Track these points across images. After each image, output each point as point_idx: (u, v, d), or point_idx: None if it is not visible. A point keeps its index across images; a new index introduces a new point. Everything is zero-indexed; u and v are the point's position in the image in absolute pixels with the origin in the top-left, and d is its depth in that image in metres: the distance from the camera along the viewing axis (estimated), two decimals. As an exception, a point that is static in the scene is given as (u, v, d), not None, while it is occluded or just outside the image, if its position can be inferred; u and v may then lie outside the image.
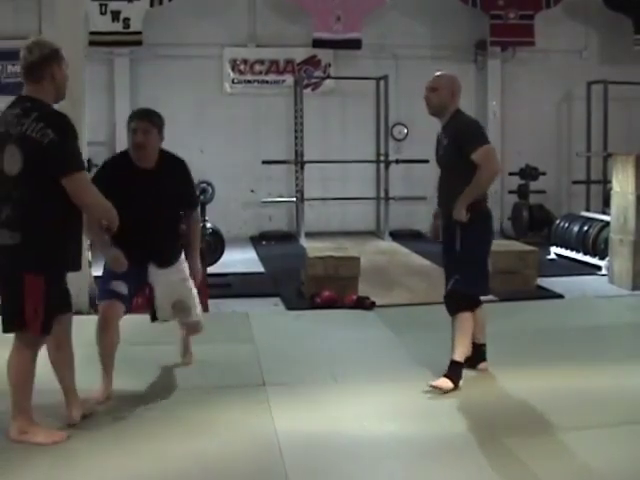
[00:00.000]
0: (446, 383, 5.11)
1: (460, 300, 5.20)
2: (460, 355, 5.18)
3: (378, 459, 4.11)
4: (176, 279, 5.13)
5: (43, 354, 4.38)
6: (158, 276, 5.05)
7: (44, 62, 4.17)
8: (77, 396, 4.53)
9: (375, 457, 4.14)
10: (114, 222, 4.33)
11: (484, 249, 5.29)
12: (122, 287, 4.90)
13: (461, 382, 5.15)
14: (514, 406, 4.86)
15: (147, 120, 4.95)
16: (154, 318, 5.22)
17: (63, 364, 4.47)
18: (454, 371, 5.16)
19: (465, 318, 5.19)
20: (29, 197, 4.07)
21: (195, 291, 5.30)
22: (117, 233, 4.52)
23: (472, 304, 5.28)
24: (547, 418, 4.65)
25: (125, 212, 4.42)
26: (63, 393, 4.49)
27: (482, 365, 5.50)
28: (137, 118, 4.97)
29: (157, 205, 4.90)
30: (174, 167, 5.09)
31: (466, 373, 5.41)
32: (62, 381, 4.49)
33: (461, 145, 5.09)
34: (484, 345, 5.50)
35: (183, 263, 5.22)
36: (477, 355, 5.47)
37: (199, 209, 5.50)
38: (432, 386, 5.10)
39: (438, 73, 5.33)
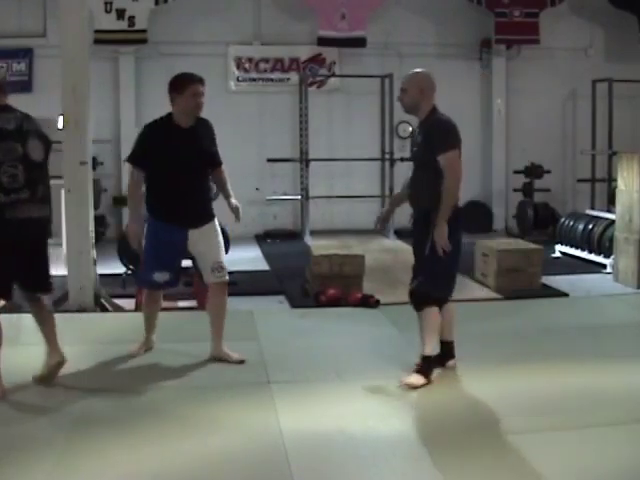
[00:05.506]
0: (417, 379, 5.13)
1: (424, 298, 5.21)
2: (429, 350, 5.22)
3: (382, 457, 4.11)
4: (213, 241, 5.50)
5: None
6: (197, 241, 5.45)
7: None
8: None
9: (379, 455, 4.13)
10: None
11: (453, 250, 5.13)
12: (164, 277, 5.51)
13: (434, 374, 5.21)
14: (517, 404, 4.85)
15: (204, 84, 5.47)
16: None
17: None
18: (425, 366, 5.20)
19: (431, 313, 5.21)
20: None
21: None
22: (159, 189, 5.33)
23: (437, 301, 5.27)
24: (551, 416, 4.65)
25: (167, 166, 5.27)
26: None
27: (451, 363, 5.47)
28: (199, 82, 5.44)
29: (196, 158, 5.38)
30: (206, 126, 5.58)
31: (468, 371, 5.41)
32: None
33: (432, 144, 5.12)
34: (452, 342, 5.48)
35: (216, 225, 5.58)
36: (446, 353, 5.47)
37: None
38: (403, 383, 5.12)
39: (409, 72, 5.40)
